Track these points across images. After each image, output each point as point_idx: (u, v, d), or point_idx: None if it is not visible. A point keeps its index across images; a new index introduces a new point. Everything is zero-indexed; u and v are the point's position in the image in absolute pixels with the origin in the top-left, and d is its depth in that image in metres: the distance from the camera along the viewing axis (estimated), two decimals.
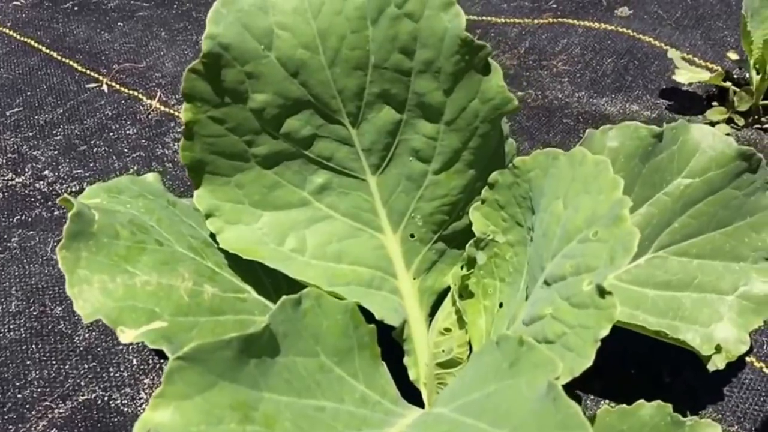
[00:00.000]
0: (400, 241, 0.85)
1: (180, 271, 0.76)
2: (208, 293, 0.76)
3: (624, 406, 0.77)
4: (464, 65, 0.76)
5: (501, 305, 0.84)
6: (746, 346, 0.93)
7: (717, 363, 0.92)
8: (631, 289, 0.95)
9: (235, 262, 0.82)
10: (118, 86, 1.58)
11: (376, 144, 0.81)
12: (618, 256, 0.64)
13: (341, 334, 0.69)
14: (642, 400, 0.76)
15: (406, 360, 0.86)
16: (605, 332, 0.63)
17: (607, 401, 1.00)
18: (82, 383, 0.96)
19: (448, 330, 0.82)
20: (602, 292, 0.63)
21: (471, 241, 0.84)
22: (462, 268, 0.86)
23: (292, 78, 0.78)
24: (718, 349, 0.90)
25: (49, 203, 1.26)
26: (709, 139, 0.93)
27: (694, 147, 0.93)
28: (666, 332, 0.87)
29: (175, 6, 1.87)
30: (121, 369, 0.97)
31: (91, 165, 1.35)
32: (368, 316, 0.80)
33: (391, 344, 0.87)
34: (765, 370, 1.06)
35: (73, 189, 1.29)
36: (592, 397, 1.01)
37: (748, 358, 1.07)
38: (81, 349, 1.00)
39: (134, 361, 0.99)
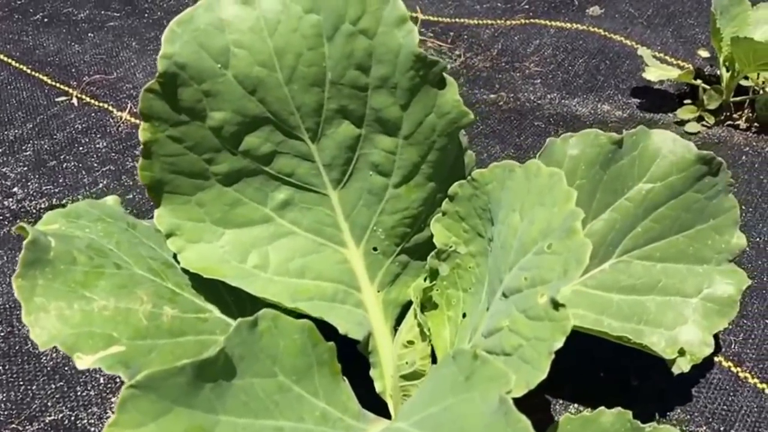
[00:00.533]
0: (363, 255, 0.85)
1: (139, 294, 0.76)
2: (167, 315, 0.76)
3: (585, 413, 0.78)
4: (419, 81, 0.76)
5: (464, 315, 0.84)
6: (710, 348, 0.94)
7: (681, 366, 0.93)
8: (596, 294, 0.95)
9: (197, 281, 0.82)
10: (88, 99, 1.57)
11: (336, 159, 0.81)
12: (571, 268, 0.65)
13: (299, 353, 0.69)
14: (603, 408, 0.77)
15: (372, 372, 0.87)
16: (559, 344, 0.63)
17: (576, 405, 1.01)
18: (50, 404, 0.96)
19: (411, 342, 0.82)
20: (556, 304, 0.64)
21: (433, 253, 0.84)
22: (425, 279, 0.86)
23: (249, 95, 0.77)
24: (682, 352, 0.91)
25: (18, 221, 1.25)
26: (670, 144, 0.94)
27: (655, 152, 0.94)
28: (629, 337, 0.88)
29: (146, 15, 1.86)
30: (89, 388, 0.97)
31: (60, 181, 1.34)
32: (333, 331, 0.81)
33: (360, 357, 0.87)
34: (733, 369, 1.07)
35: (42, 206, 1.28)
36: (561, 401, 1.02)
37: (716, 358, 1.08)
38: (48, 369, 1.00)
39: (101, 380, 0.98)
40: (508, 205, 0.75)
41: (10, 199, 1.30)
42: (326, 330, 0.77)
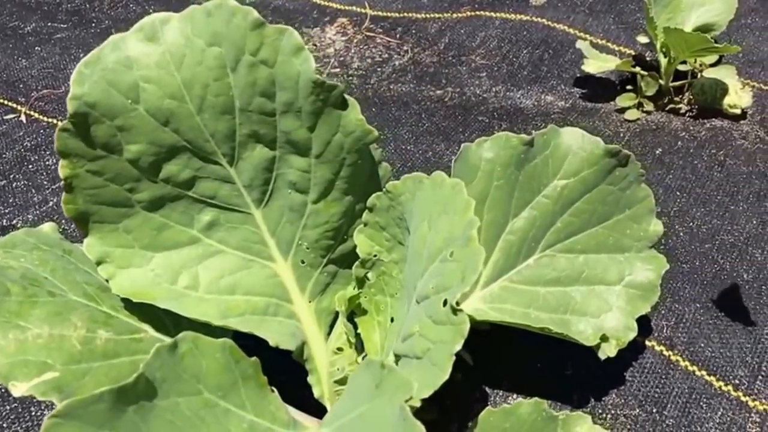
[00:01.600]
0: (291, 268, 0.89)
1: (73, 320, 0.79)
2: (101, 338, 0.79)
3: (505, 405, 0.82)
4: (321, 104, 0.79)
5: (392, 320, 0.88)
6: (634, 332, 0.99)
7: (607, 351, 0.98)
8: (523, 289, 1.00)
9: (133, 303, 0.85)
10: (37, 115, 1.58)
11: (255, 180, 0.84)
12: (468, 274, 0.69)
13: (223, 371, 0.72)
14: (521, 399, 0.82)
15: (309, 378, 0.91)
16: (459, 347, 0.68)
17: (515, 395, 1.06)
18: (5, 425, 0.99)
19: (340, 349, 0.86)
20: (455, 309, 0.68)
21: (357, 262, 0.88)
22: (354, 287, 0.90)
23: (163, 127, 0.80)
24: (604, 338, 0.96)
25: None
26: (579, 140, 0.98)
27: (566, 150, 0.98)
28: (550, 328, 0.92)
29: (93, 25, 1.86)
30: (42, 408, 1.00)
31: (10, 201, 1.36)
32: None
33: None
34: (665, 353, 1.12)
35: None
36: (500, 392, 1.06)
37: (649, 343, 1.13)
38: (2, 390, 1.03)
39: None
40: (419, 214, 0.79)
41: None
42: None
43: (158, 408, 0.67)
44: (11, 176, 1.41)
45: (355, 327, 0.89)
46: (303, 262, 0.89)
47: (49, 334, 0.77)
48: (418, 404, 0.68)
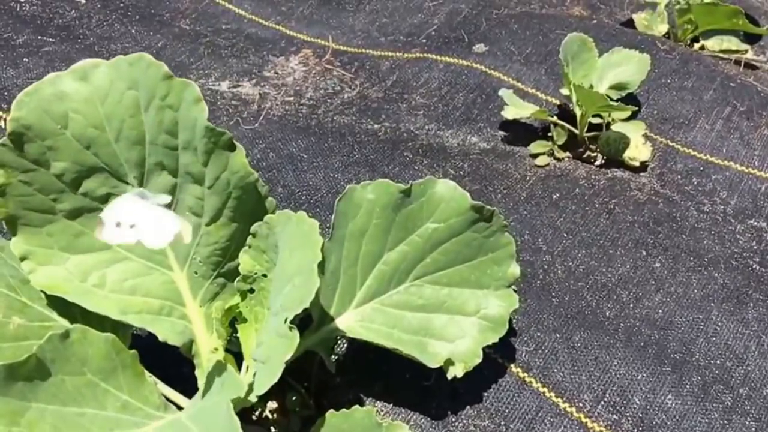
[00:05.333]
0: (186, 277, 1.06)
1: None
2: (14, 324, 0.97)
3: (345, 410, 0.99)
4: (213, 145, 0.97)
5: None
6: (479, 358, 1.15)
7: (455, 372, 1.14)
8: (391, 311, 1.16)
9: (49, 297, 1.02)
10: None
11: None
12: (305, 299, 0.86)
13: (105, 358, 0.89)
14: (357, 406, 0.98)
15: (196, 372, 1.08)
16: (289, 356, 0.85)
17: (382, 402, 1.22)
18: None
19: (216, 349, 1.03)
20: (290, 327, 0.85)
21: (240, 277, 1.05)
22: (241, 298, 1.07)
23: (85, 150, 0.98)
24: (450, 362, 1.12)
25: None
26: (452, 192, 1.15)
27: (440, 198, 1.15)
28: (400, 349, 1.09)
29: (79, 41, 2.04)
30: None
31: None
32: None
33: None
34: (521, 374, 1.29)
35: None
36: (370, 399, 1.23)
37: (507, 364, 1.29)
38: None
39: None
40: (284, 244, 0.96)
41: None
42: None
43: (46, 383, 0.84)
44: None
45: (236, 332, 1.06)
46: (196, 273, 1.06)
47: None
48: (254, 400, 0.86)
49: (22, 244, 1.01)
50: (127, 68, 0.98)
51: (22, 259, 1.01)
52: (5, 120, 1.73)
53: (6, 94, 1.81)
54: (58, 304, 1.03)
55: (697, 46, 2.23)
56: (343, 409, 0.99)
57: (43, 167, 0.98)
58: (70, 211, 1.01)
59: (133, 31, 2.12)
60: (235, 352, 1.07)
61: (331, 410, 0.99)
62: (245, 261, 1.04)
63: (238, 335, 1.07)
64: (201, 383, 1.07)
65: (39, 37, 2.03)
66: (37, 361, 0.83)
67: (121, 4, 2.21)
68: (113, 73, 0.98)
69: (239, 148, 0.99)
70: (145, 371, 0.94)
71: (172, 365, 1.12)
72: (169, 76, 0.97)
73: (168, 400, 0.99)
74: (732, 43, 2.20)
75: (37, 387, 0.83)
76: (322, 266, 0.95)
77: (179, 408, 1.00)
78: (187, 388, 1.09)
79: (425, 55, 2.06)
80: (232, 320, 1.10)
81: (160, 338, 1.02)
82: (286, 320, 0.86)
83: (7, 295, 0.99)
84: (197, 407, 0.87)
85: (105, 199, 1.02)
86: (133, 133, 0.97)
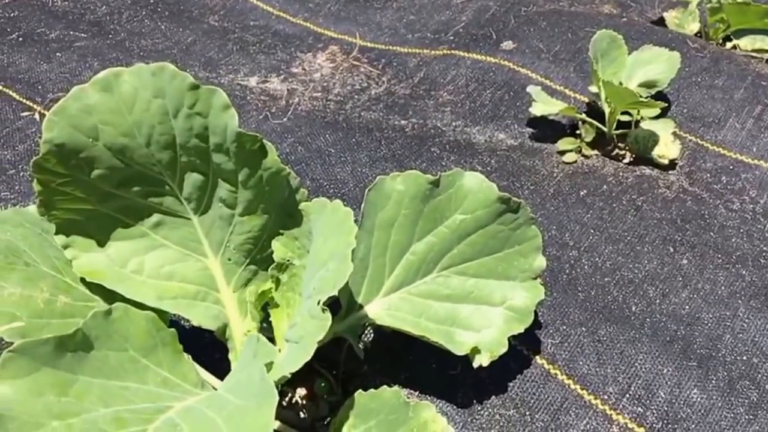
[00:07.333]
0: (220, 264, 1.10)
1: (41, 285, 1.01)
2: (61, 302, 1.01)
3: (373, 390, 1.02)
4: (244, 149, 1.01)
5: None
6: (505, 347, 1.17)
7: (481, 360, 1.16)
8: (418, 300, 1.19)
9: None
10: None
11: (192, 195, 1.06)
12: (338, 283, 0.89)
13: (146, 335, 0.93)
14: (385, 386, 1.01)
15: (230, 355, 1.11)
16: (321, 337, 0.87)
17: (408, 390, 1.25)
18: None
19: (249, 331, 1.07)
20: (323, 309, 0.88)
21: (274, 264, 1.08)
22: (271, 284, 1.10)
23: (119, 156, 1.01)
24: (476, 350, 1.14)
25: None
26: (479, 184, 1.17)
27: (468, 190, 1.17)
28: (428, 336, 1.11)
29: (110, 36, 2.10)
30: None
31: (17, 188, 1.59)
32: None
33: None
34: (546, 366, 1.30)
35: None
36: (396, 386, 1.25)
37: (533, 356, 1.30)
38: None
39: None
40: (319, 231, 0.99)
41: None
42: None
43: (92, 357, 0.88)
44: (20, 166, 1.65)
45: (268, 317, 1.10)
46: (230, 260, 1.09)
47: (20, 294, 0.99)
48: (288, 376, 0.89)
49: (63, 235, 1.05)
50: (150, 77, 0.99)
51: (65, 247, 1.05)
52: (39, 113, 1.80)
53: (39, 87, 1.87)
54: (99, 286, 1.07)
55: (729, 45, 2.21)
56: (372, 389, 1.02)
57: (83, 175, 1.01)
58: (110, 207, 1.05)
59: (162, 27, 2.18)
60: (267, 337, 1.10)
61: (360, 390, 1.02)
62: (278, 248, 1.07)
63: (270, 320, 1.10)
64: (235, 365, 1.10)
65: (71, 33, 2.09)
66: (83, 335, 0.87)
67: (151, 1, 2.27)
68: (136, 81, 0.99)
69: (270, 148, 1.02)
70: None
71: (203, 353, 1.16)
72: (195, 86, 0.98)
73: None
74: (765, 42, 2.18)
75: (84, 361, 0.87)
76: (352, 254, 0.98)
77: (214, 389, 1.03)
78: (218, 374, 1.13)
79: (452, 51, 2.08)
80: (264, 306, 1.14)
81: (195, 323, 1.06)
82: (319, 302, 0.89)
83: (54, 276, 1.04)
84: (233, 380, 0.90)
85: (143, 195, 1.05)
86: (163, 138, 1.00)
